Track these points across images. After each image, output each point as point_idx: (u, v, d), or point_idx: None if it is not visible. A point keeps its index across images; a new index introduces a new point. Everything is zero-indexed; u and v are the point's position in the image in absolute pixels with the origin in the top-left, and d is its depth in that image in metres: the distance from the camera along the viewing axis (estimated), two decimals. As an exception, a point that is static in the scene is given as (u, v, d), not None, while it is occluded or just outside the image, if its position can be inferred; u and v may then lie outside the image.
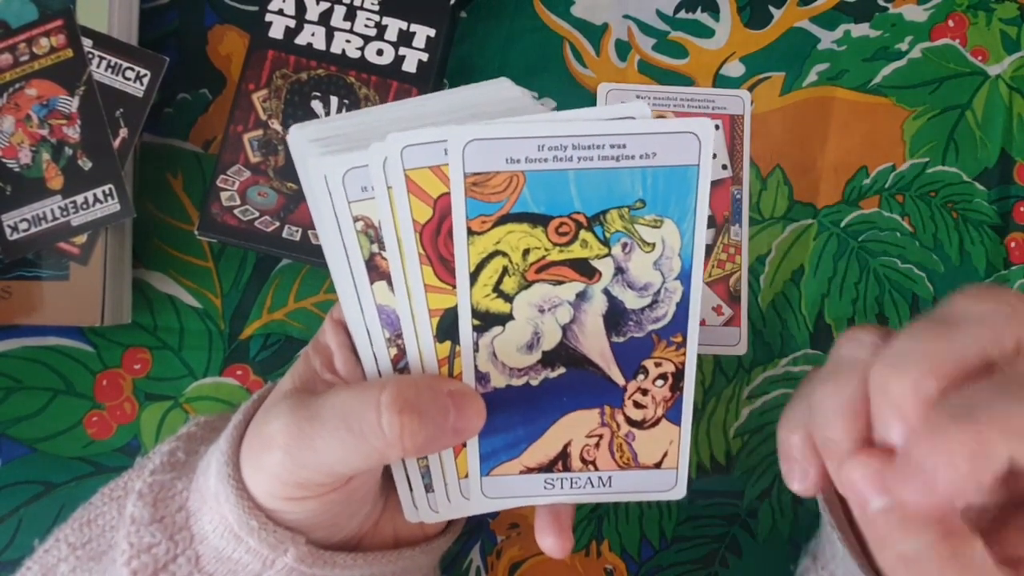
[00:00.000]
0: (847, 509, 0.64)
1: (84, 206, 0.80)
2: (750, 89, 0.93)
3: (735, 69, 0.94)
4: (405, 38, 0.85)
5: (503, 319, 0.58)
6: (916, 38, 0.95)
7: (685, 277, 0.58)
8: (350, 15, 0.85)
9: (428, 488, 0.63)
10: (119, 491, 0.67)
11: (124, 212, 0.80)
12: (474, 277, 0.57)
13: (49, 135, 0.80)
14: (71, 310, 0.81)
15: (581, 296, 0.58)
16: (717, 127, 0.86)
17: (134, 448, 0.86)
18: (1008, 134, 0.94)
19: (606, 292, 0.58)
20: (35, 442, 0.85)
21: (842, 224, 0.92)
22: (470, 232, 0.56)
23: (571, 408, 0.61)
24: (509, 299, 0.58)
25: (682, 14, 0.94)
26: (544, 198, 0.56)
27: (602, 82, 0.90)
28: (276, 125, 0.83)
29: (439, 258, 0.57)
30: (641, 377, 0.60)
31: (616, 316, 0.59)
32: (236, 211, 0.82)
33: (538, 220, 0.56)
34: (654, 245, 0.57)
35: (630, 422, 0.61)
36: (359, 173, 0.56)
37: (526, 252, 0.57)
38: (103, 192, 0.80)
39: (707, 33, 0.94)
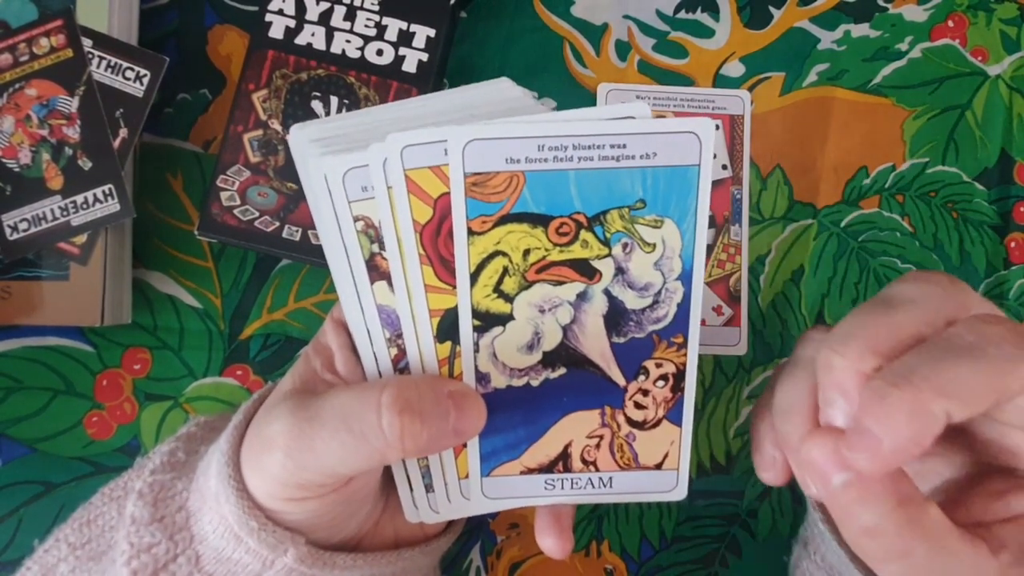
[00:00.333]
0: None
1: (84, 206, 0.80)
2: (750, 89, 0.93)
3: (735, 69, 0.94)
4: (405, 38, 0.85)
5: (503, 319, 0.58)
6: (916, 38, 0.95)
7: (686, 277, 0.58)
8: (350, 15, 0.85)
9: (428, 488, 0.63)
10: (119, 491, 0.67)
11: (124, 212, 0.80)
12: (474, 277, 0.57)
13: (49, 135, 0.80)
14: (71, 310, 0.81)
15: (582, 296, 0.58)
16: (717, 127, 0.86)
17: (134, 448, 0.86)
18: (1008, 134, 0.95)
19: (607, 292, 0.58)
20: (35, 442, 0.85)
21: (842, 224, 0.92)
22: (470, 232, 0.56)
23: (572, 409, 0.61)
24: (509, 299, 0.57)
25: (682, 14, 0.94)
26: (544, 198, 0.55)
27: (602, 82, 0.90)
28: (276, 125, 0.83)
29: (439, 258, 0.57)
30: (642, 378, 0.60)
31: (617, 316, 0.59)
32: (236, 211, 0.82)
33: (538, 220, 0.56)
34: (655, 245, 0.57)
35: (631, 423, 0.61)
36: (359, 173, 0.56)
37: (526, 252, 0.56)
38: (103, 192, 0.80)
39: (707, 33, 0.94)
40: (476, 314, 0.58)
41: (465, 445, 0.61)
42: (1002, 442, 0.55)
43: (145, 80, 0.82)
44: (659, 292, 0.58)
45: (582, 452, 0.62)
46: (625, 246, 0.57)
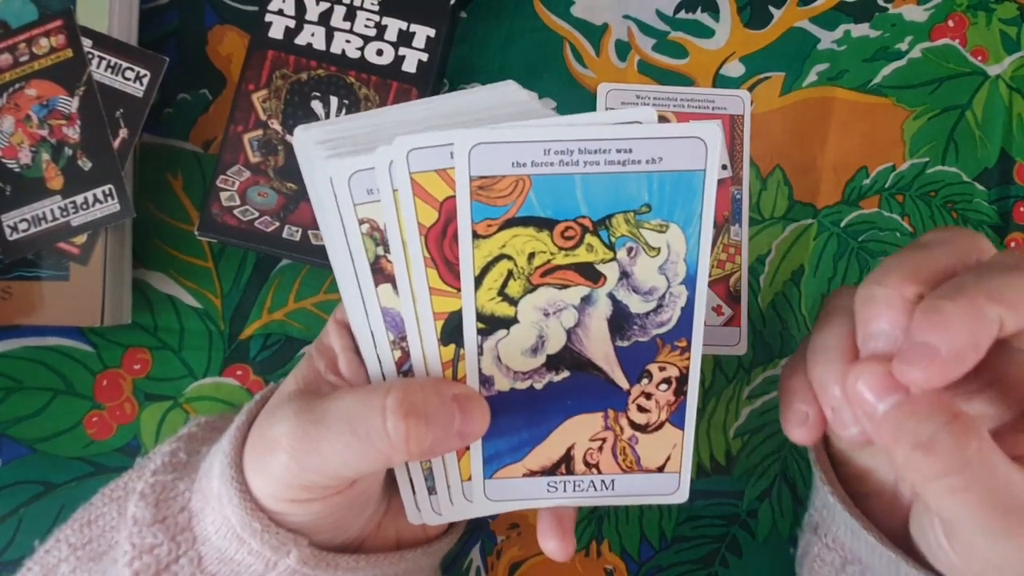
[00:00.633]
0: (837, 469, 0.66)
1: (84, 206, 0.80)
2: (750, 89, 0.93)
3: (735, 69, 0.94)
4: (405, 38, 0.85)
5: (508, 323, 0.58)
6: (916, 38, 0.95)
7: (690, 282, 0.58)
8: (350, 15, 0.85)
9: (431, 490, 0.63)
10: (119, 492, 0.67)
11: (124, 212, 0.80)
12: (479, 280, 0.57)
13: (49, 135, 0.80)
14: (71, 310, 0.81)
15: (586, 300, 0.58)
16: (717, 127, 0.86)
17: (134, 448, 0.86)
18: (1008, 134, 0.95)
19: (611, 296, 0.58)
20: (35, 442, 0.85)
21: (842, 224, 0.92)
22: (475, 236, 0.56)
23: (575, 412, 0.61)
24: (514, 303, 0.58)
25: (682, 14, 0.94)
26: (550, 202, 0.55)
27: (602, 82, 0.90)
28: (276, 125, 0.83)
29: (444, 261, 0.57)
30: (645, 381, 0.60)
31: (621, 320, 0.59)
32: (236, 211, 0.82)
33: (544, 224, 0.56)
34: (659, 250, 0.57)
35: (634, 426, 0.61)
36: (365, 176, 0.56)
37: (531, 256, 0.56)
38: (103, 192, 0.80)
39: (707, 33, 0.94)
40: (480, 317, 0.58)
41: (468, 447, 0.61)
42: None
43: (145, 80, 0.81)
44: (663, 296, 0.58)
45: (585, 455, 0.62)
46: (630, 250, 0.57)
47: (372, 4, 0.85)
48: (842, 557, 0.68)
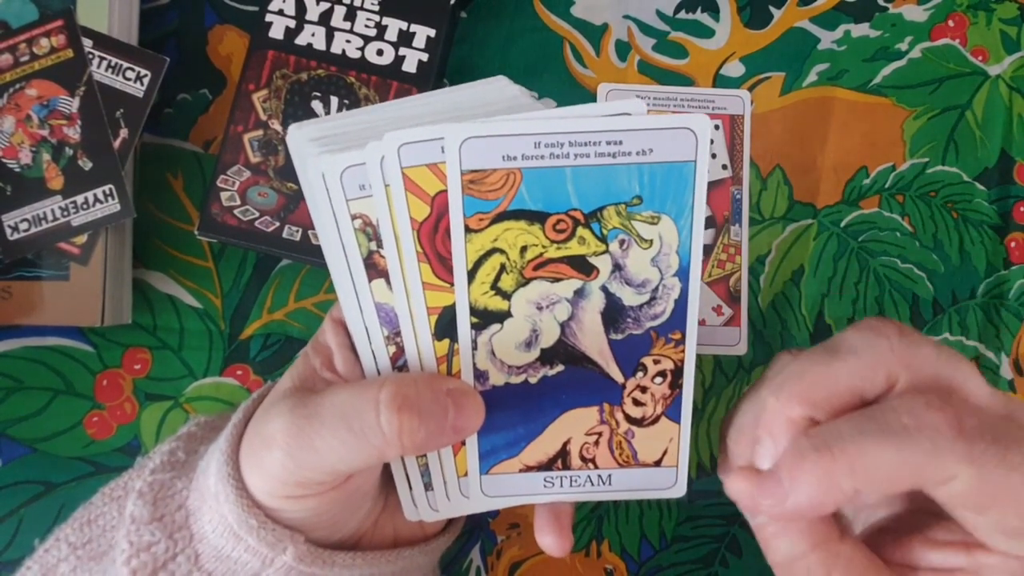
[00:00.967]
0: None
1: (84, 206, 0.80)
2: (750, 89, 0.93)
3: (735, 69, 0.94)
4: (405, 38, 0.85)
5: (501, 317, 0.58)
6: (916, 38, 0.95)
7: (683, 274, 0.58)
8: (350, 15, 0.85)
9: (427, 487, 0.63)
10: (119, 491, 0.67)
11: (124, 212, 0.80)
12: (472, 275, 0.57)
13: (49, 135, 0.80)
14: (71, 310, 0.81)
15: (579, 293, 0.58)
16: (717, 127, 0.86)
17: (134, 448, 0.86)
18: (1008, 134, 0.95)
19: (604, 289, 0.58)
20: (35, 442, 0.86)
21: (842, 224, 0.92)
22: (467, 230, 0.56)
23: (570, 406, 0.61)
24: (507, 297, 0.58)
25: (682, 14, 0.94)
26: (541, 195, 0.55)
27: (602, 82, 0.90)
28: (276, 125, 0.83)
29: (437, 256, 0.57)
30: (640, 374, 0.60)
31: (614, 313, 0.59)
32: (236, 211, 0.82)
33: (535, 217, 0.56)
34: (652, 242, 0.57)
35: (629, 420, 0.61)
36: (357, 171, 0.56)
37: (524, 249, 0.57)
38: (103, 192, 0.80)
39: (707, 33, 0.94)
40: (474, 312, 0.58)
41: (464, 443, 0.61)
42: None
43: (145, 80, 0.82)
44: (656, 288, 0.58)
45: (581, 449, 0.62)
46: (622, 242, 0.57)
47: (372, 4, 0.85)
48: None
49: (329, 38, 0.85)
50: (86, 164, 0.80)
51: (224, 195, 0.82)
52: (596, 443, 0.62)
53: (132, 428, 0.87)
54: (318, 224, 0.60)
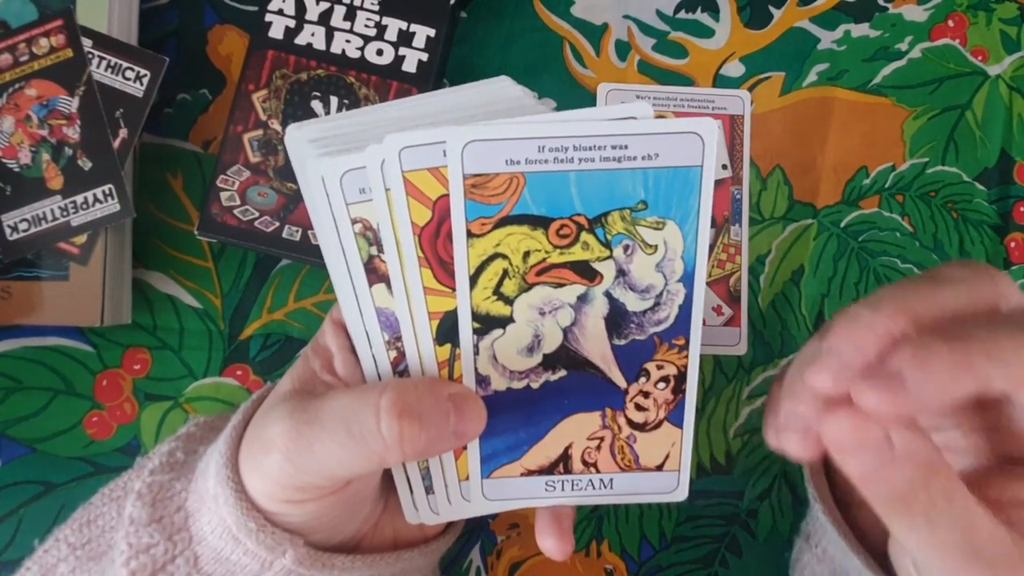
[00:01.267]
0: (832, 482, 0.66)
1: (84, 206, 0.80)
2: (750, 89, 0.93)
3: (735, 69, 0.94)
4: (405, 38, 0.85)
5: (503, 322, 0.58)
6: (916, 38, 0.95)
7: (687, 279, 0.58)
8: (350, 15, 0.85)
9: (428, 490, 0.63)
10: (119, 491, 0.67)
11: (124, 212, 0.80)
12: (474, 280, 0.57)
13: (49, 135, 0.80)
14: (71, 310, 0.81)
15: (582, 298, 0.58)
16: (717, 127, 0.86)
17: (134, 448, 0.86)
18: (1008, 134, 0.95)
19: (607, 294, 0.58)
20: (35, 442, 0.85)
21: (842, 224, 0.92)
22: (470, 234, 0.56)
23: (572, 411, 0.61)
24: (509, 302, 0.57)
25: (682, 14, 0.94)
26: (545, 200, 0.55)
27: (602, 82, 0.90)
28: (276, 125, 0.83)
29: (438, 261, 0.57)
30: (643, 380, 0.60)
31: (617, 318, 0.59)
32: (236, 211, 0.82)
33: (539, 222, 0.56)
34: (656, 247, 0.57)
35: (632, 424, 0.61)
36: (357, 174, 0.56)
37: (526, 254, 0.56)
38: (103, 192, 0.80)
39: (707, 33, 0.94)
40: (476, 317, 0.58)
41: (465, 447, 0.61)
42: None
43: (145, 80, 0.82)
44: (660, 294, 0.58)
45: (583, 454, 0.62)
46: (626, 248, 0.57)
47: (372, 4, 0.85)
48: (831, 570, 0.68)
49: (329, 38, 0.84)
50: (86, 164, 0.80)
51: (224, 195, 0.82)
52: (598, 448, 0.62)
53: (132, 428, 0.86)
54: (318, 228, 0.60)
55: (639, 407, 0.61)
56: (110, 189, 0.80)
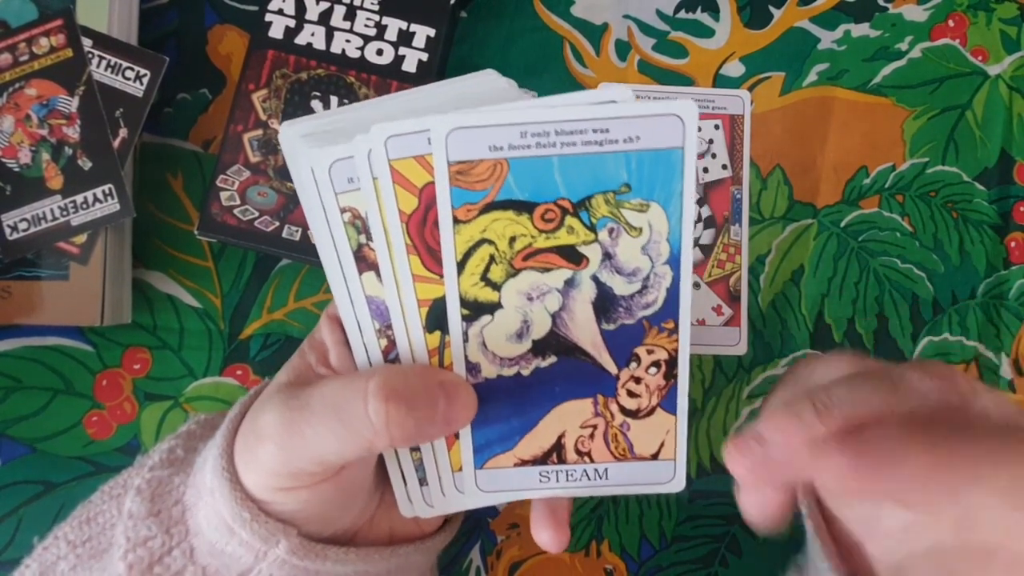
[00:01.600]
0: (826, 514, 0.66)
1: (84, 206, 0.80)
2: (750, 89, 0.93)
3: (735, 69, 0.94)
4: (405, 38, 0.85)
5: (492, 308, 0.58)
6: (916, 38, 0.95)
7: (674, 261, 0.58)
8: (350, 15, 0.85)
9: (422, 481, 0.63)
10: (118, 489, 0.67)
11: (124, 212, 0.81)
12: (461, 266, 0.57)
13: (49, 135, 0.81)
14: (71, 310, 0.81)
15: (569, 283, 0.58)
16: (717, 127, 0.86)
17: (134, 448, 0.86)
18: (1008, 134, 0.95)
19: (594, 278, 0.58)
20: (35, 442, 0.86)
21: (842, 224, 0.92)
22: (456, 221, 0.56)
23: (564, 398, 0.61)
24: (497, 287, 0.57)
25: (682, 14, 0.94)
26: (528, 185, 0.55)
27: (602, 82, 0.91)
28: (276, 125, 0.83)
29: (426, 248, 0.57)
30: (634, 365, 0.60)
31: (605, 302, 0.58)
32: (236, 211, 0.82)
33: (523, 207, 0.56)
34: (641, 230, 0.57)
35: (624, 411, 0.61)
36: (345, 164, 0.57)
37: (512, 239, 0.56)
38: (103, 192, 0.80)
39: (707, 33, 0.94)
40: (464, 303, 0.58)
41: (458, 437, 0.61)
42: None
43: (145, 80, 0.82)
44: (647, 277, 0.58)
45: (576, 443, 0.62)
46: (611, 231, 0.57)
47: (372, 4, 0.85)
48: None
49: (329, 38, 0.85)
50: (85, 164, 0.80)
51: (224, 195, 0.82)
52: (591, 436, 0.62)
53: (132, 428, 0.87)
54: (309, 218, 0.60)
55: (631, 393, 0.61)
56: (110, 189, 0.80)
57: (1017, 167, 0.94)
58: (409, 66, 0.85)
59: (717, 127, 0.85)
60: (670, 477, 0.63)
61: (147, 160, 0.89)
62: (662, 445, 0.62)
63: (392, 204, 0.56)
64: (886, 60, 0.95)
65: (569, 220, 0.56)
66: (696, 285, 0.82)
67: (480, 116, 0.55)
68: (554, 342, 0.59)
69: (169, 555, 0.60)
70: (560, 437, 0.61)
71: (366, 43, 0.85)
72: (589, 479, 0.63)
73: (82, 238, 0.81)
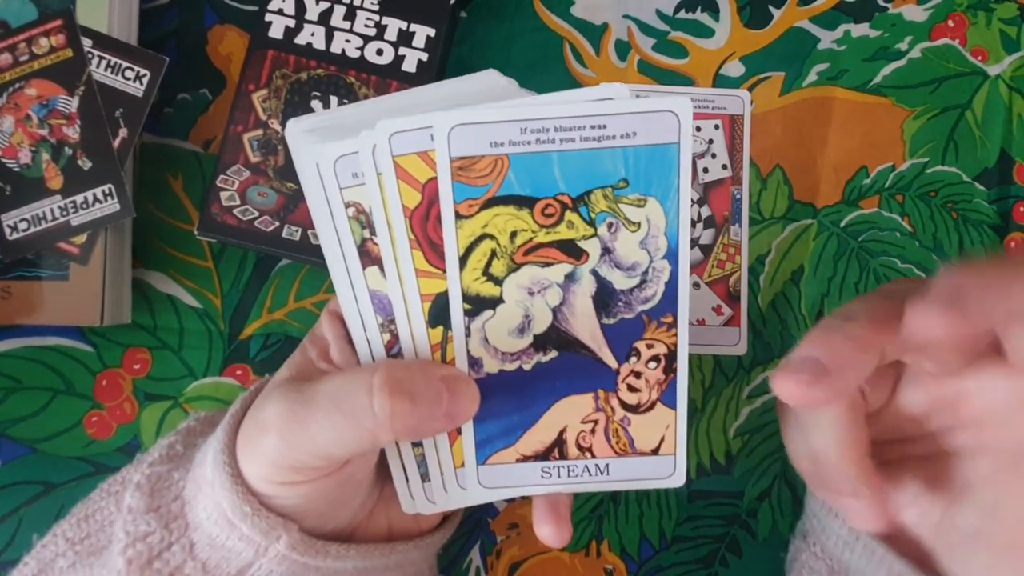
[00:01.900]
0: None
1: (84, 206, 0.80)
2: (750, 89, 0.93)
3: (735, 69, 0.94)
4: (405, 38, 0.85)
5: (493, 303, 0.58)
6: (916, 38, 0.95)
7: (672, 256, 0.58)
8: (350, 15, 0.85)
9: (424, 477, 0.63)
10: (117, 486, 0.68)
11: (124, 212, 0.81)
12: (463, 261, 0.57)
13: (49, 135, 0.81)
14: (71, 310, 0.81)
15: (570, 277, 0.58)
16: (717, 127, 0.86)
17: (134, 448, 0.86)
18: (1008, 134, 0.95)
19: (594, 273, 0.58)
20: (35, 442, 0.86)
21: (842, 224, 0.92)
22: (458, 216, 0.56)
23: (565, 393, 0.61)
24: (499, 282, 0.58)
25: (682, 14, 0.94)
26: (529, 180, 0.56)
27: (602, 82, 0.90)
28: (276, 125, 0.83)
29: (429, 243, 0.57)
30: (634, 359, 0.60)
31: (605, 297, 0.59)
32: (236, 211, 0.82)
33: (524, 202, 0.57)
34: (639, 224, 0.57)
35: (625, 406, 0.61)
36: (350, 160, 0.57)
37: (513, 235, 0.57)
38: (103, 192, 0.80)
39: (707, 33, 0.94)
40: (466, 298, 0.58)
41: (460, 432, 0.61)
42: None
43: (145, 80, 0.82)
44: (646, 271, 0.58)
45: (577, 438, 0.62)
46: (610, 226, 0.57)
47: (372, 4, 0.85)
48: (829, 567, 0.68)
49: (329, 38, 0.85)
50: (85, 164, 0.80)
51: (224, 195, 0.82)
52: (592, 431, 0.62)
53: (132, 428, 0.87)
54: (313, 213, 0.60)
55: (631, 388, 0.61)
56: (110, 189, 0.80)
57: (1017, 167, 0.94)
58: (409, 66, 0.85)
59: (717, 127, 0.85)
60: (670, 472, 0.63)
61: (147, 160, 0.89)
62: (662, 440, 0.63)
63: (396, 199, 0.56)
64: (886, 60, 0.95)
65: (569, 215, 0.57)
66: (696, 285, 0.82)
67: (481, 113, 0.55)
68: (555, 337, 0.59)
69: (168, 550, 0.60)
70: (561, 432, 0.62)
71: (366, 43, 0.85)
72: (591, 474, 0.63)
73: (82, 238, 0.81)
